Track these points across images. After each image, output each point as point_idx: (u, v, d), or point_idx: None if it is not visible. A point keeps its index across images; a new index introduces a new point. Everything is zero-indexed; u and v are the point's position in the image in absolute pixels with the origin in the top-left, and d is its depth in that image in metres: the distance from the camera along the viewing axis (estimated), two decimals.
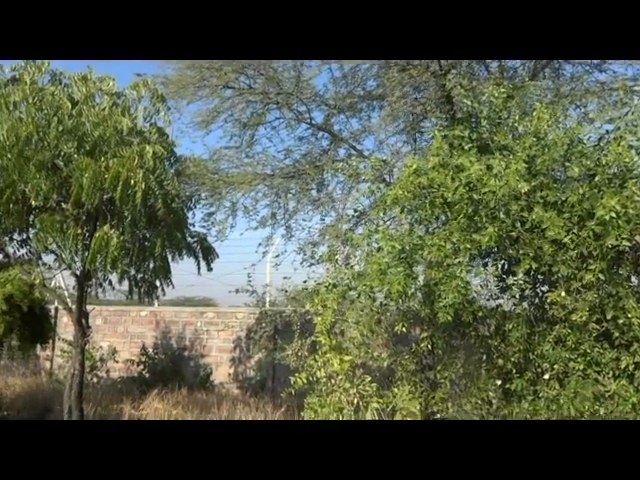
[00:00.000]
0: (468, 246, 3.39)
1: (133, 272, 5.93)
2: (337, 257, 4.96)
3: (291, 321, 6.35)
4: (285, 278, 6.18)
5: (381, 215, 4.13)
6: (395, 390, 4.45)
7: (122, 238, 4.70)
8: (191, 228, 6.34)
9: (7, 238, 5.63)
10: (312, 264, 6.05)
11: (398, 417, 4.35)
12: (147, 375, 9.21)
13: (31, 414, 7.67)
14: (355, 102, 6.18)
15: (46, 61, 5.10)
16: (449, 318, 3.40)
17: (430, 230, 4.09)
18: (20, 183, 4.63)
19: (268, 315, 8.46)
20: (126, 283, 6.05)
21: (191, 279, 7.19)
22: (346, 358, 4.54)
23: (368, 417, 4.48)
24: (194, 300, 12.42)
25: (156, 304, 9.41)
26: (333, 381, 4.66)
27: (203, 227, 6.38)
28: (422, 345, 4.25)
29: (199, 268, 6.32)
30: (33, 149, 4.59)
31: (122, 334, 10.44)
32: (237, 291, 7.10)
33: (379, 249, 3.99)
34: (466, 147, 4.05)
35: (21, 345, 7.63)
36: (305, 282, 4.99)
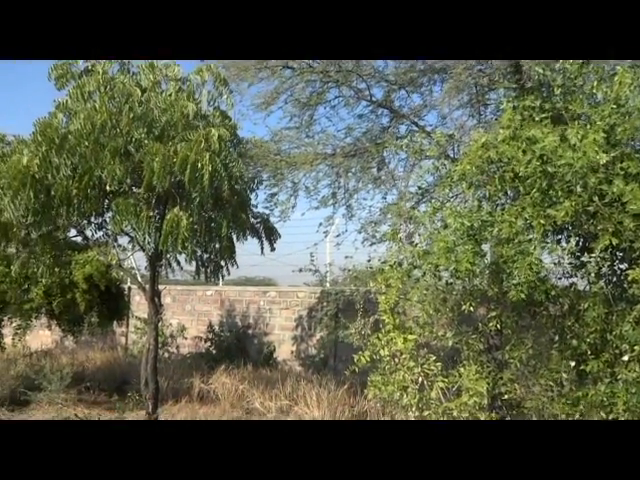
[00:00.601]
0: (542, 222, 3.24)
1: (200, 252, 6.15)
2: (400, 235, 4.91)
3: (353, 300, 6.39)
4: (347, 257, 6.20)
5: (447, 192, 4.03)
6: (461, 370, 4.38)
7: (191, 220, 4.88)
8: (254, 209, 6.48)
9: (85, 221, 5.97)
10: (373, 243, 6.04)
11: (465, 397, 4.28)
12: (214, 351, 9.61)
13: (111, 386, 8.23)
14: (416, 77, 6.01)
15: None
16: (522, 296, 3.29)
17: (498, 206, 3.95)
18: (96, 169, 4.89)
19: (330, 294, 8.55)
20: (193, 263, 6.28)
21: (252, 259, 7.39)
22: (410, 337, 4.50)
23: (433, 396, 4.45)
24: (254, 280, 12.75)
25: (220, 284, 9.74)
26: (397, 360, 4.66)
27: (266, 208, 6.50)
28: (490, 325, 4.15)
29: (262, 248, 6.46)
30: (107, 136, 4.83)
31: (190, 312, 10.93)
32: (300, 270, 7.20)
33: (445, 226, 3.91)
34: (537, 118, 3.85)
35: (100, 322, 8.18)
36: (369, 261, 4.98)
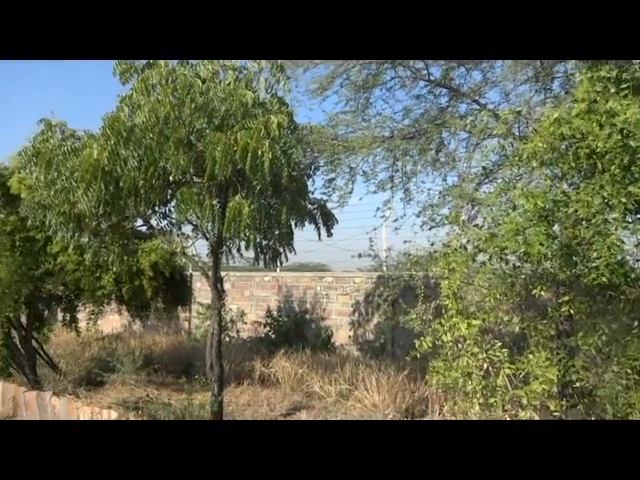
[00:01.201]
0: (623, 200, 3.04)
1: (259, 239, 6.24)
2: (462, 218, 4.78)
3: (412, 285, 6.30)
4: (406, 242, 6.11)
5: (515, 171, 3.86)
6: (530, 356, 4.24)
7: (252, 207, 4.95)
8: (310, 195, 6.49)
9: (151, 211, 6.19)
10: (432, 227, 5.91)
11: (534, 384, 4.15)
12: (273, 336, 9.80)
13: (177, 368, 8.60)
14: None
15: None
16: (604, 280, 3.11)
17: (572, 185, 3.75)
18: (161, 160, 5.03)
19: (391, 279, 8.47)
20: (251, 249, 6.37)
21: (308, 245, 7.42)
22: (474, 322, 4.39)
23: (499, 382, 4.34)
24: (308, 266, 12.84)
25: (278, 270, 9.89)
26: (460, 345, 4.56)
27: (324, 194, 6.49)
28: (562, 310, 3.97)
29: (319, 234, 6.46)
30: (171, 128, 4.94)
31: (248, 298, 11.19)
32: (360, 256, 7.16)
33: (513, 207, 3.75)
34: (612, 90, 3.60)
35: (165, 307, 8.52)
36: (432, 245, 4.87)
